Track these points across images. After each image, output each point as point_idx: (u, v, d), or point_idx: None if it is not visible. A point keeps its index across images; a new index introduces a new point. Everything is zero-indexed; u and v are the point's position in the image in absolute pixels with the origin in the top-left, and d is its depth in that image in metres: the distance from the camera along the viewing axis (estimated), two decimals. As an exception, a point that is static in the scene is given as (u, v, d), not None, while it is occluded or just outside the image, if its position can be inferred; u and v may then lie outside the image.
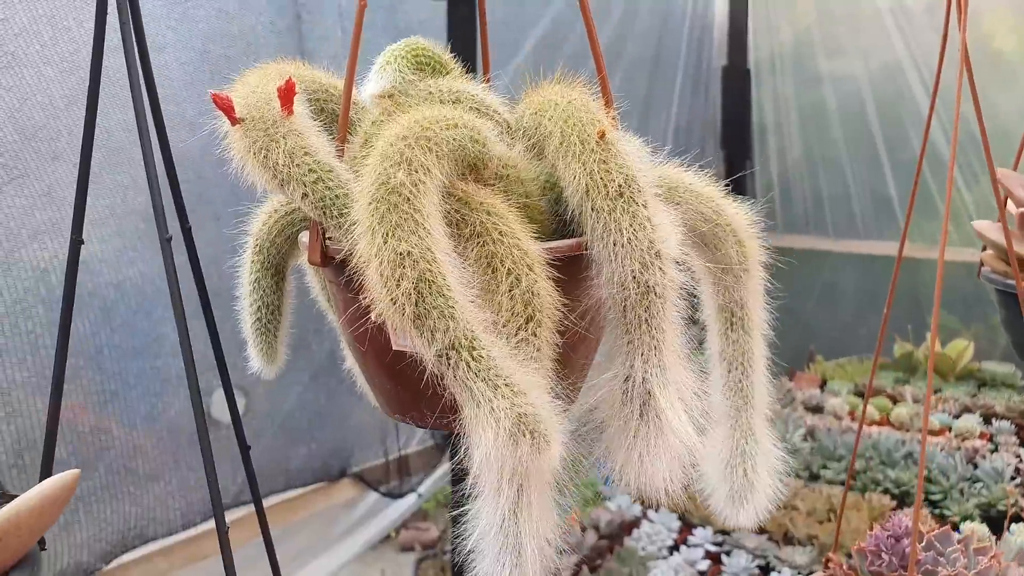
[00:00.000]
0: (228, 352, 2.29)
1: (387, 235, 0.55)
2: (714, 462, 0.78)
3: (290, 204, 0.78)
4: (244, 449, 0.89)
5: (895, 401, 3.28)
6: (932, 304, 3.89)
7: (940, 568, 0.95)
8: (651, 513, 2.69)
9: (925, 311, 3.76)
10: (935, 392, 3.35)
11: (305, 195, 0.64)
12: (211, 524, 2.22)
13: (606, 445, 0.65)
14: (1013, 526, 2.32)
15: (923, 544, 1.00)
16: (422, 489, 2.94)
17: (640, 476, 0.62)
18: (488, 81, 0.83)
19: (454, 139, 0.61)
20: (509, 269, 0.59)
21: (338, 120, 0.70)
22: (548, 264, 0.63)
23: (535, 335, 0.59)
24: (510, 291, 0.59)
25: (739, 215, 0.77)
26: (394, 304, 0.55)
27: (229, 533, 2.29)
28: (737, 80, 3.88)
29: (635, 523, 2.69)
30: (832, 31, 3.92)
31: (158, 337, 2.00)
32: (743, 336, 0.77)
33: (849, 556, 1.03)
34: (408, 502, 2.91)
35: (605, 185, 0.62)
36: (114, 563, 1.99)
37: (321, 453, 2.61)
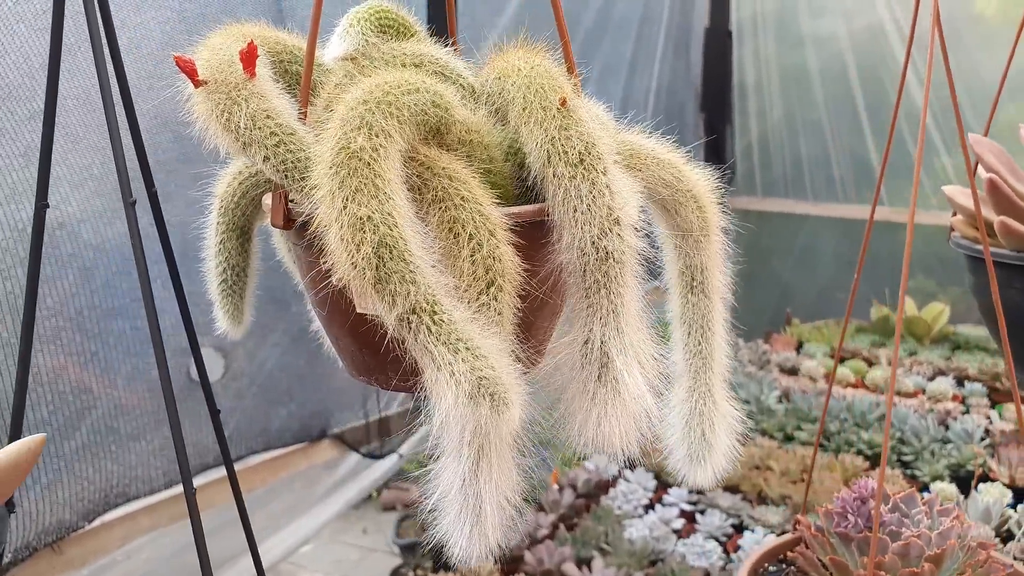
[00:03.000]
0: (208, 314, 2.28)
1: (347, 200, 0.56)
2: (674, 423, 0.80)
3: (254, 165, 0.79)
4: (214, 413, 0.90)
5: (871, 364, 3.32)
6: (914, 268, 3.91)
7: (904, 529, 0.98)
8: (627, 473, 2.73)
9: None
10: (911, 355, 3.39)
11: (267, 158, 0.64)
12: (196, 482, 2.23)
13: (565, 407, 0.66)
14: (980, 485, 2.37)
15: (889, 506, 1.03)
16: (403, 450, 2.96)
17: (597, 437, 0.63)
18: (455, 45, 0.83)
19: (416, 103, 0.61)
20: (471, 234, 0.60)
21: (301, 82, 0.70)
22: (510, 229, 0.64)
23: (496, 299, 0.60)
24: (471, 256, 0.60)
25: (700, 181, 0.78)
26: (355, 268, 0.56)
27: (214, 490, 2.29)
28: (719, 41, 3.86)
29: (612, 483, 2.72)
30: (816, -9, 3.91)
31: (138, 297, 2.00)
32: (703, 300, 0.78)
33: (815, 514, 1.05)
34: (389, 463, 2.94)
35: (566, 152, 0.63)
36: (97, 521, 2.01)
37: (301, 414, 2.62)
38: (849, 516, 0.99)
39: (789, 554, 1.09)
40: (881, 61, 3.73)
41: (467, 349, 0.55)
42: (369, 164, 0.57)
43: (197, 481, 2.32)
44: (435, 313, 0.56)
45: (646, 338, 0.66)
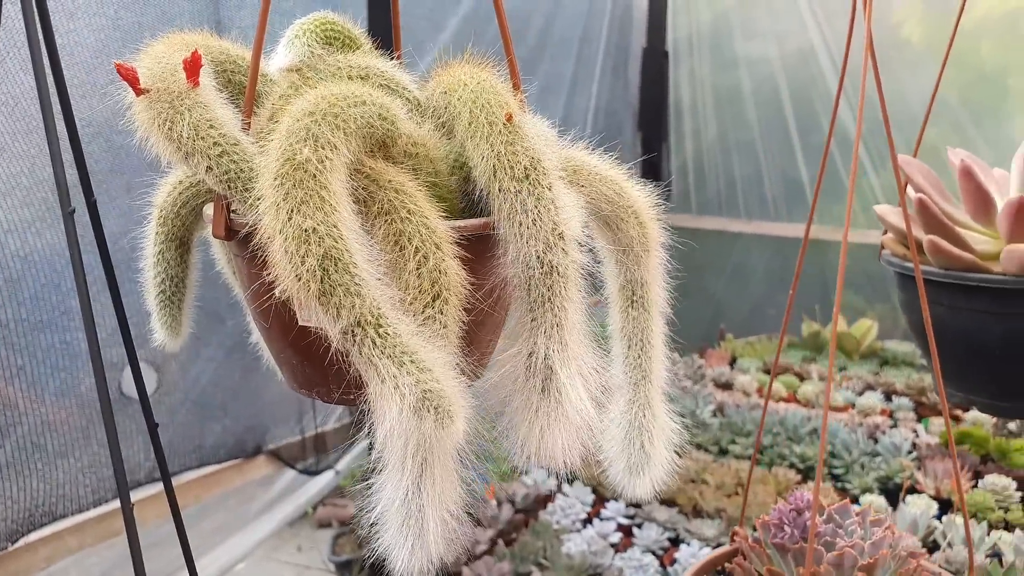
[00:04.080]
0: (141, 326, 2.24)
1: (292, 211, 0.56)
2: (613, 435, 0.81)
3: (195, 175, 0.78)
4: (152, 428, 0.88)
5: (802, 379, 3.39)
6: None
7: (839, 539, 1.00)
8: (566, 487, 2.74)
9: (832, 291, 3.85)
10: (841, 370, 3.47)
11: (209, 168, 0.63)
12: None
13: (509, 419, 0.66)
14: (908, 497, 2.43)
15: (823, 517, 1.05)
16: (340, 466, 2.93)
17: (540, 448, 0.64)
18: (399, 58, 0.83)
19: (362, 116, 0.61)
20: (417, 247, 0.60)
21: (245, 93, 0.70)
22: (455, 243, 0.64)
23: (442, 313, 0.60)
24: (417, 269, 0.60)
25: (640, 197, 0.79)
26: (299, 281, 0.55)
27: (146, 508, 2.23)
28: (655, 62, 3.91)
29: (550, 497, 2.73)
30: (750, 14, 3.98)
31: (67, 310, 1.96)
32: (642, 314, 0.80)
33: (754, 529, 1.07)
34: (326, 479, 2.91)
35: (512, 167, 0.64)
36: (21, 542, 1.95)
37: (236, 430, 2.58)
38: (785, 527, 1.01)
39: (727, 565, 1.10)
40: (812, 83, 3.82)
41: (412, 362, 0.55)
42: (315, 176, 0.56)
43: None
44: (380, 326, 0.56)
45: (588, 351, 0.66)
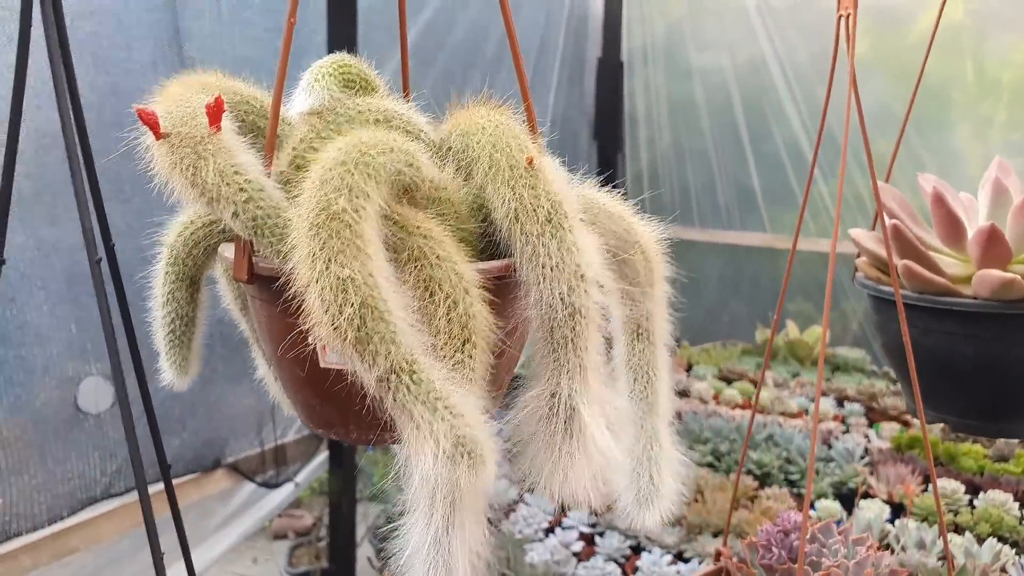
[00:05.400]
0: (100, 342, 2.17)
1: (329, 261, 0.56)
2: (622, 467, 0.82)
3: (208, 215, 0.77)
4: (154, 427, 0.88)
5: (757, 385, 3.43)
6: (794, 292, 4.04)
7: (824, 559, 1.03)
8: (527, 496, 2.75)
9: (787, 299, 3.94)
10: (794, 376, 3.53)
11: (236, 214, 0.63)
12: (78, 519, 2.15)
13: (531, 459, 0.67)
14: (862, 502, 2.49)
15: (808, 537, 1.08)
16: (299, 478, 2.91)
17: (563, 488, 0.65)
18: (408, 98, 0.84)
19: (391, 163, 0.62)
20: (447, 293, 0.61)
21: (259, 132, 0.70)
22: (480, 286, 0.65)
23: (471, 357, 0.61)
24: (448, 315, 0.61)
25: (647, 232, 0.81)
26: (336, 330, 0.56)
27: (103, 524, 2.18)
28: (611, 72, 3.95)
29: (512, 507, 2.74)
30: (702, 25, 4.03)
31: (22, 325, 1.93)
32: (648, 347, 0.81)
33: (737, 552, 1.09)
34: (285, 492, 2.88)
35: (534, 210, 0.65)
36: (-27, 561, 1.91)
37: (194, 443, 2.55)
38: (773, 548, 1.04)
39: (712, 584, 1.12)
40: (763, 93, 3.88)
41: (445, 407, 0.56)
42: (350, 226, 0.57)
43: (84, 515, 2.24)
44: (414, 372, 0.57)
45: (608, 390, 0.68)
